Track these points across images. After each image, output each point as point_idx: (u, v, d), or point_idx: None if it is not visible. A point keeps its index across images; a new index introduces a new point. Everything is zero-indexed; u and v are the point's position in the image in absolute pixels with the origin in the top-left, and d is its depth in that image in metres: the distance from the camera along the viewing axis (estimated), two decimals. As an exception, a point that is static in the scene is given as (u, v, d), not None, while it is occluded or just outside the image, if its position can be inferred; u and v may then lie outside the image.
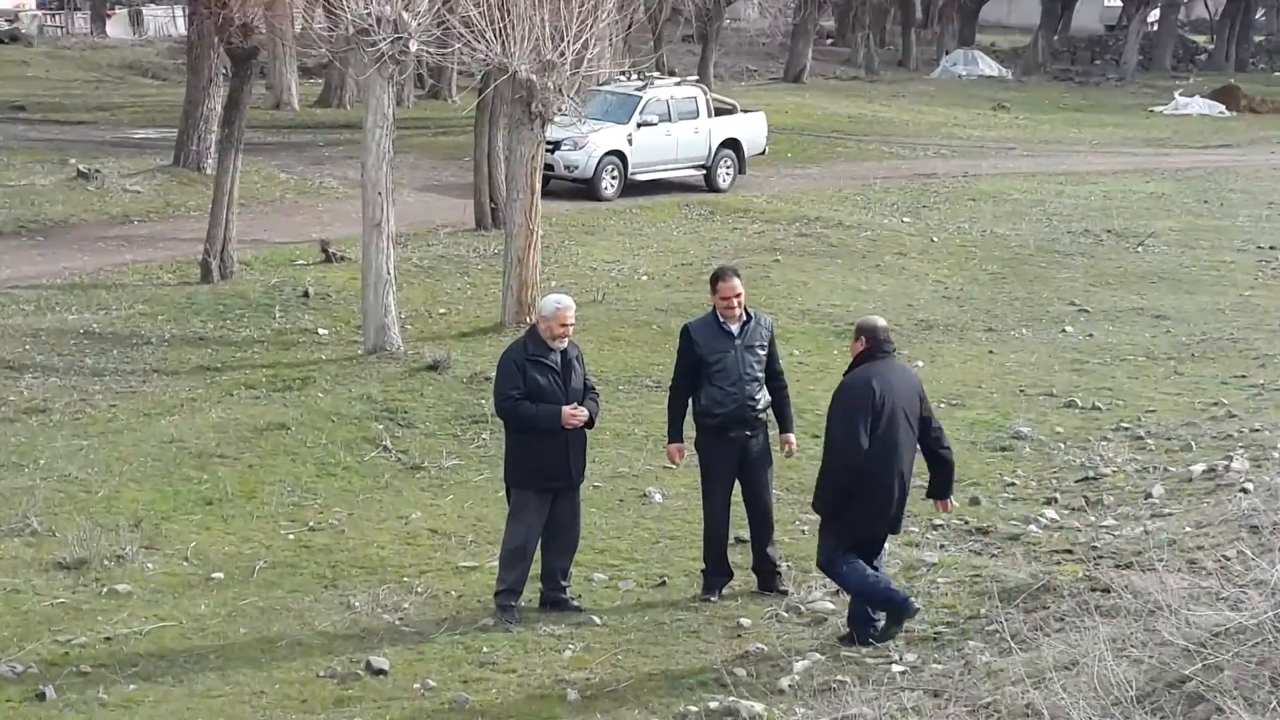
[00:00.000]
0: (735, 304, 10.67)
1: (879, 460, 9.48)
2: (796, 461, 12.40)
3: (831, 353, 19.45)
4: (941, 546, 11.91)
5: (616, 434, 15.90)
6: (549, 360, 10.19)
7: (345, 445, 15.53)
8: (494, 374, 10.53)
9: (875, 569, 9.92)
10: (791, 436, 11.14)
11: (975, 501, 13.41)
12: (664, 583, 11.55)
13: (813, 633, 10.34)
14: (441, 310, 21.63)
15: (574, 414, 10.15)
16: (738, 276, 10.79)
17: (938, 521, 12.35)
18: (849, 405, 9.43)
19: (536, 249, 20.37)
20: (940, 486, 10.18)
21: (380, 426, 16.20)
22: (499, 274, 21.45)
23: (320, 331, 20.35)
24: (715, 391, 10.67)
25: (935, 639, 9.92)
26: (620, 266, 24.97)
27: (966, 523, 12.62)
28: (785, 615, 10.72)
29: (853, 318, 19.04)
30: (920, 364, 18.85)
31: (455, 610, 10.97)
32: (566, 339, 10.30)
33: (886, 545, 10.27)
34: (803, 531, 12.43)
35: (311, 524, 13.13)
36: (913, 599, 9.98)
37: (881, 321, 9.94)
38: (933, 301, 23.25)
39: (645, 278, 24.17)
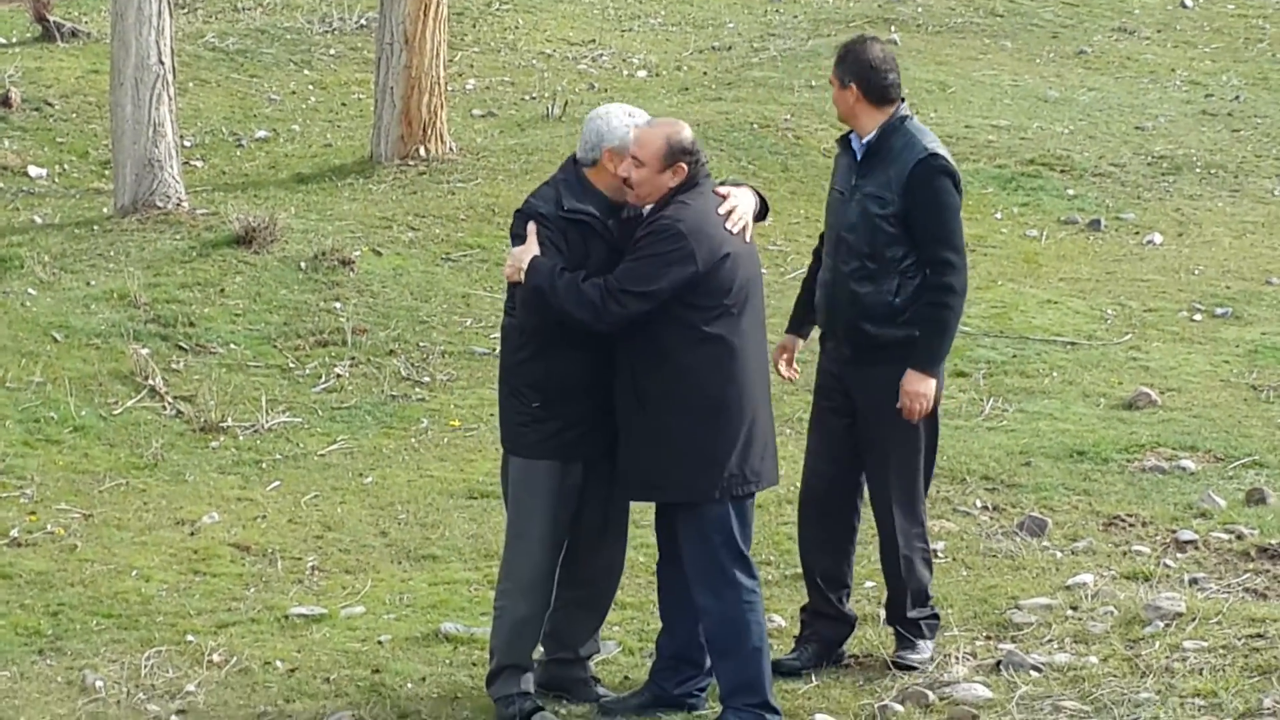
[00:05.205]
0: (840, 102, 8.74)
1: (730, 379, 7.91)
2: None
3: (992, 216, 16.53)
4: (1192, 582, 9.89)
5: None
6: (608, 231, 8.17)
7: (78, 386, 13.14)
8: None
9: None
10: (917, 380, 8.50)
11: (1257, 498, 10.92)
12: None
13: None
14: (261, 134, 19.08)
15: None
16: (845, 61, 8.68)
17: (1186, 535, 10.31)
18: (667, 264, 7.63)
19: (441, 19, 17.81)
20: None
21: (145, 351, 13.58)
22: (368, 67, 19.32)
23: (32, 172, 17.79)
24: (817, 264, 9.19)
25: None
26: (598, 52, 22.07)
27: (1240, 536, 10.48)
28: (900, 710, 8.74)
29: (1031, 150, 17.72)
30: (1156, 238, 16.25)
31: (284, 698, 8.82)
32: None
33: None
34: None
35: (15, 533, 11.21)
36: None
37: (687, 130, 8.24)
38: (1182, 121, 19.96)
39: (644, 74, 21.33)
